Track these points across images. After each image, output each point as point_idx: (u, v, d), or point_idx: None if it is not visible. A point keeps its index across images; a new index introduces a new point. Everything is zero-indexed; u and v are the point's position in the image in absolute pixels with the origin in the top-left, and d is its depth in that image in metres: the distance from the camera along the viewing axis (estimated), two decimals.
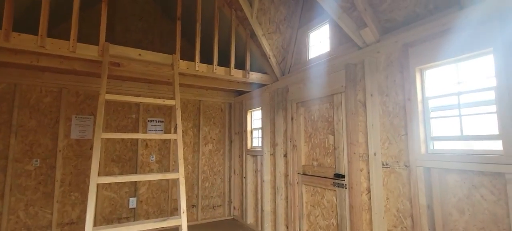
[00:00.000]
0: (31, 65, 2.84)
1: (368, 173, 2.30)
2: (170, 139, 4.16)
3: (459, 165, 1.69)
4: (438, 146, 1.88)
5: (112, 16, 4.01)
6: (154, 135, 2.44)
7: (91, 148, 3.62)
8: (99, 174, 3.51)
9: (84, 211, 3.51)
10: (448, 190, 1.79)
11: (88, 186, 3.57)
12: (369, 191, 2.29)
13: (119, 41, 4.05)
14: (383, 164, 2.19)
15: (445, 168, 1.77)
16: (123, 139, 3.87)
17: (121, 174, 3.81)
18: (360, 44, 2.40)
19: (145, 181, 3.95)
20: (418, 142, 1.92)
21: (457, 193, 1.74)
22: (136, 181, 3.86)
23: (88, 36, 3.80)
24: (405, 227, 2.01)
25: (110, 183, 3.72)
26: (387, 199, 2.15)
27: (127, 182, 3.82)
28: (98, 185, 3.57)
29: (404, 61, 2.05)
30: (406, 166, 2.02)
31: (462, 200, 1.72)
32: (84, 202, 3.53)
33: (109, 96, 2.37)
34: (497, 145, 1.60)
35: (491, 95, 1.61)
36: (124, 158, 3.83)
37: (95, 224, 3.47)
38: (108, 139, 3.75)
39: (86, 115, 3.63)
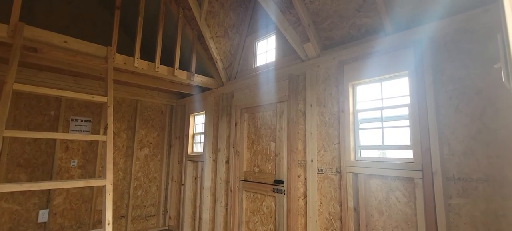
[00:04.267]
0: None
1: (305, 179, 2.43)
2: (98, 141, 3.68)
3: (380, 171, 1.92)
4: (365, 153, 2.11)
5: None
6: (77, 135, 2.10)
7: None
8: None
9: None
10: (371, 193, 2.01)
11: None
12: (305, 196, 2.41)
13: (38, 25, 3.44)
14: (318, 170, 2.34)
15: (369, 173, 1.99)
16: (35, 139, 3.25)
17: (29, 181, 3.18)
18: (303, 57, 2.56)
19: (63, 189, 3.38)
20: (349, 150, 2.11)
21: (378, 196, 1.97)
22: (50, 190, 3.27)
23: None
24: (335, 229, 2.17)
25: (12, 192, 3.06)
26: (321, 203, 2.30)
27: (37, 191, 3.21)
28: None
29: (339, 76, 2.26)
30: (338, 172, 2.20)
31: (381, 202, 1.95)
32: None
33: (20, 86, 1.96)
34: (409, 154, 1.87)
35: (406, 111, 1.89)
36: (35, 163, 3.21)
37: None
38: (14, 139, 3.10)
39: None
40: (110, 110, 2.29)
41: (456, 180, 1.61)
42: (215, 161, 3.54)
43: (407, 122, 1.89)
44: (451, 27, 1.70)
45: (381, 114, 2.02)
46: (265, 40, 3.22)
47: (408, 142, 1.88)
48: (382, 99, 2.04)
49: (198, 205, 3.70)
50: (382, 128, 2.00)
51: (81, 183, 2.08)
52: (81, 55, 2.49)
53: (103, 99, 2.33)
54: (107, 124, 2.23)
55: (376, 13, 2.00)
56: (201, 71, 3.80)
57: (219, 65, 3.38)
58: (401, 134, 1.93)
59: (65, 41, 2.35)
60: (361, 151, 2.11)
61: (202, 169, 3.70)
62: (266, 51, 3.19)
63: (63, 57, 2.32)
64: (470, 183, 1.56)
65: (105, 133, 2.24)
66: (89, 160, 3.61)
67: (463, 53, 1.65)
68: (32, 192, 3.19)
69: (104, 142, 2.26)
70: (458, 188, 1.60)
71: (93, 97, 2.27)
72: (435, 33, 1.76)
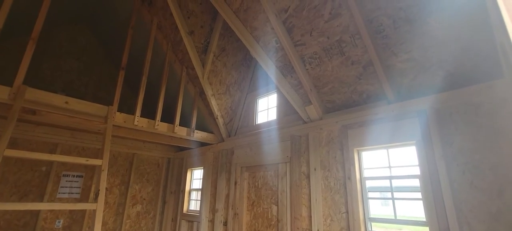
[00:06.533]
0: None
1: None
2: (86, 196, 3.47)
3: None
4: (376, 227, 1.95)
5: (39, 53, 3.50)
6: (64, 205, 1.95)
7: None
8: None
9: None
10: None
11: None
12: None
13: (44, 79, 3.48)
14: None
15: None
16: (20, 197, 3.05)
17: None
18: (305, 119, 2.53)
19: None
20: (358, 222, 1.96)
21: None
22: None
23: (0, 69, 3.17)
24: None
25: None
26: None
27: None
28: None
29: (344, 140, 2.20)
30: None
31: None
32: None
33: (11, 152, 1.87)
34: None
35: (417, 182, 1.80)
36: (16, 225, 2.97)
37: None
38: None
39: None
40: (103, 175, 2.17)
41: None
42: (212, 222, 3.31)
43: (419, 195, 1.78)
44: (454, 99, 1.69)
45: (391, 184, 1.92)
46: (266, 98, 3.25)
47: (422, 215, 1.74)
48: (390, 167, 1.96)
49: None
50: (393, 199, 1.89)
51: None
52: (80, 115, 2.45)
53: (97, 162, 2.22)
54: (99, 190, 2.09)
55: (377, 81, 2.02)
56: (201, 125, 3.76)
57: (220, 121, 3.36)
58: (414, 206, 1.81)
59: (66, 102, 2.33)
60: (372, 223, 1.96)
61: (197, 230, 3.44)
62: (267, 108, 3.19)
63: (62, 120, 2.27)
64: None
65: (95, 200, 2.09)
66: (76, 220, 3.36)
67: (471, 126, 1.62)
68: None
69: (94, 210, 2.10)
70: None
71: (87, 160, 2.16)
72: (439, 104, 1.75)
